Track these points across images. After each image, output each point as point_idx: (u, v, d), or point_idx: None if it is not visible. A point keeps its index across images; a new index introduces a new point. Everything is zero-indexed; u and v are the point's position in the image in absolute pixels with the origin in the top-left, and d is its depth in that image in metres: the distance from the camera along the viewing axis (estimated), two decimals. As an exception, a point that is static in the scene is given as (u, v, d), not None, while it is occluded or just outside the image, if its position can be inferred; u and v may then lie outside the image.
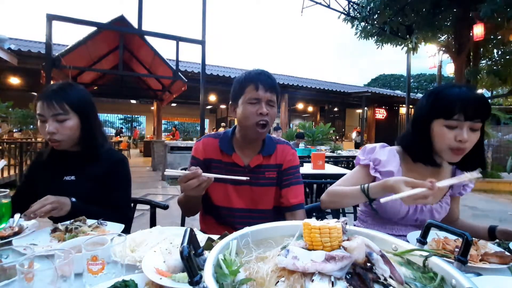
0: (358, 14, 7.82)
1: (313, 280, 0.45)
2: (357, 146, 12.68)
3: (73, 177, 1.18)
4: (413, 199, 0.80)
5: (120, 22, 6.29)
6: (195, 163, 1.19)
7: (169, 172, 0.94)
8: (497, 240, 0.95)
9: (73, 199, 1.05)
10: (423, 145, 1.01)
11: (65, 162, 1.20)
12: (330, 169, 3.42)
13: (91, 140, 1.19)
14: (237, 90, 1.13)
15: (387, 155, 1.09)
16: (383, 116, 15.31)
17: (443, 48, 7.79)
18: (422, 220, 1.10)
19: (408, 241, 0.79)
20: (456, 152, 0.94)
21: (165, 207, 1.43)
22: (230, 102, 1.19)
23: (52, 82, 4.59)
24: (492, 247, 0.86)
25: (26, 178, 1.28)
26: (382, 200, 0.79)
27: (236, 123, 1.23)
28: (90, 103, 1.20)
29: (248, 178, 0.99)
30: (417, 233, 0.75)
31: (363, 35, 8.20)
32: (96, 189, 1.18)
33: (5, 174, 5.51)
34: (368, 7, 7.43)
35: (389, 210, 1.10)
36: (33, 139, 7.02)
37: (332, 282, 0.44)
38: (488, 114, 0.93)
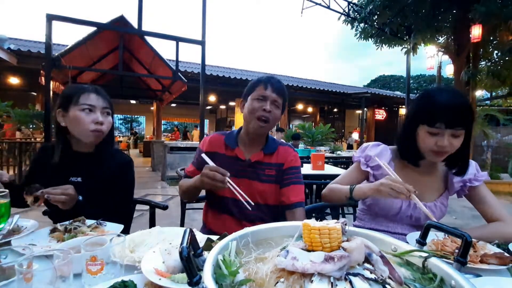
0: (357, 15, 7.83)
1: (312, 280, 0.45)
2: (351, 148, 12.76)
3: (79, 179, 1.19)
4: (389, 187, 0.93)
5: (120, 22, 6.28)
6: (198, 156, 1.31)
7: (205, 156, 1.09)
8: (497, 241, 0.95)
9: (80, 198, 1.07)
10: (410, 146, 1.09)
11: (73, 163, 1.20)
12: (330, 169, 3.42)
13: (110, 141, 1.26)
14: (249, 89, 1.24)
15: (379, 151, 1.17)
16: (382, 117, 15.30)
17: (443, 49, 7.79)
18: (416, 218, 1.12)
19: (407, 242, 0.79)
20: (437, 154, 1.01)
21: (165, 208, 1.43)
22: (241, 99, 1.30)
23: (52, 82, 4.58)
24: (491, 248, 0.86)
25: (30, 173, 1.26)
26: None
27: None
28: None
29: (253, 204, 1.03)
30: (416, 234, 0.75)
31: (362, 36, 8.20)
32: (102, 190, 1.18)
33: (4, 174, 5.48)
34: (368, 8, 7.43)
35: (382, 205, 1.14)
36: (32, 139, 7.01)
37: (332, 283, 0.44)
38: (470, 121, 0.98)
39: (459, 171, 1.09)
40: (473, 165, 1.14)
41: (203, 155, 1.11)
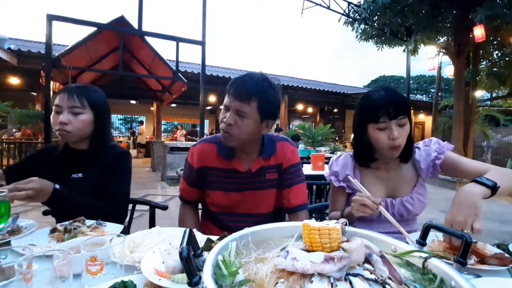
0: (358, 16, 7.83)
1: (312, 281, 0.45)
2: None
3: (80, 175, 1.21)
4: (358, 204, 0.96)
5: (120, 22, 6.30)
6: (188, 171, 1.20)
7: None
8: (497, 242, 0.95)
9: (57, 186, 1.04)
10: (363, 148, 1.14)
11: (73, 160, 1.23)
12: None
13: (101, 138, 1.25)
14: None
15: (341, 163, 1.21)
16: (382, 118, 15.28)
17: (443, 50, 7.79)
18: (399, 214, 1.14)
19: (407, 242, 0.79)
20: (394, 148, 1.06)
21: (164, 208, 1.43)
22: None
23: (52, 82, 4.58)
24: (491, 248, 0.86)
25: (26, 161, 1.30)
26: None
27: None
28: (106, 104, 1.28)
29: None
30: (416, 235, 0.75)
31: (363, 37, 8.20)
32: (102, 183, 1.21)
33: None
34: (368, 9, 7.43)
35: None
36: (33, 139, 7.01)
37: (332, 283, 0.44)
38: (408, 109, 1.06)
39: (404, 156, 1.13)
40: (433, 141, 1.17)
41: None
